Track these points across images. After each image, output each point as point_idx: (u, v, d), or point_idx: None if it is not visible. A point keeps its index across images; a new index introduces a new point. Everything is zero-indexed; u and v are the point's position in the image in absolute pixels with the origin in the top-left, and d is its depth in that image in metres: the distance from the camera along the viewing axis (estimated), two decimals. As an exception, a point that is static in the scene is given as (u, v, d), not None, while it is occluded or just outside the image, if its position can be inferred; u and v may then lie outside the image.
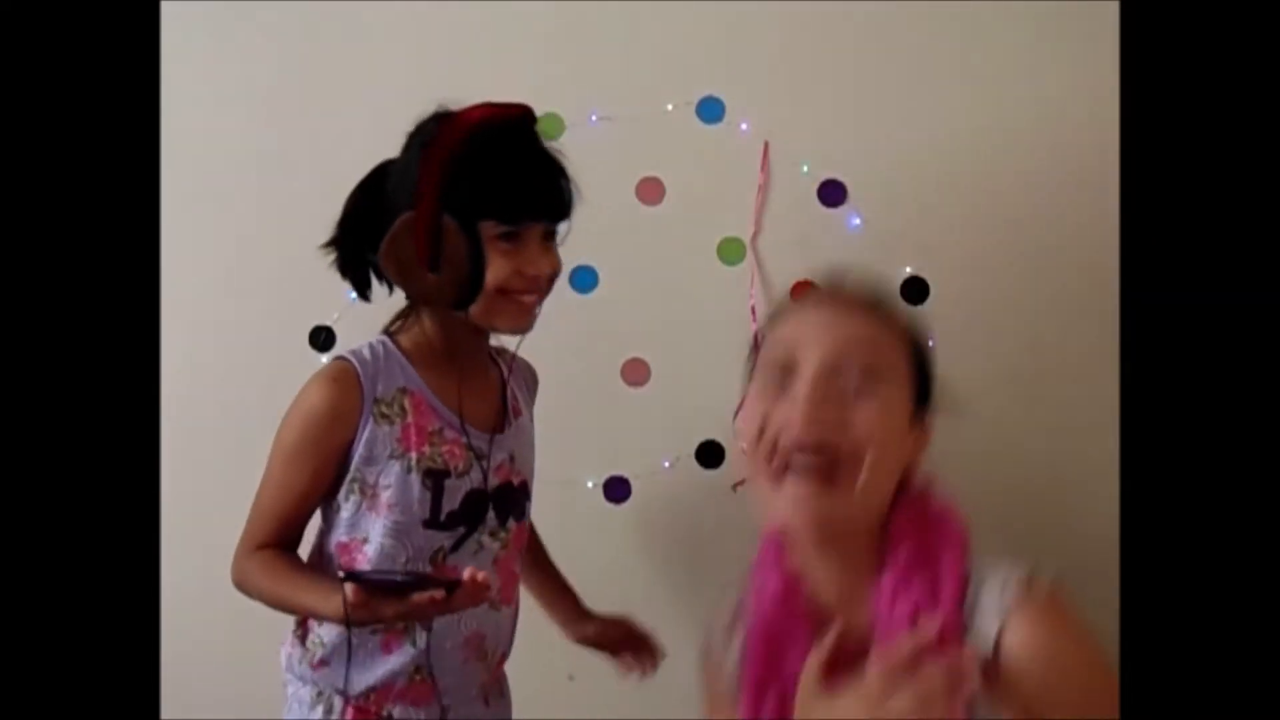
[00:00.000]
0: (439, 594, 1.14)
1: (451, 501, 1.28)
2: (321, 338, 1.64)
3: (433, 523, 1.28)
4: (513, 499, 1.35)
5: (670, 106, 1.64)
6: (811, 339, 1.04)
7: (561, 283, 1.66)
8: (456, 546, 1.29)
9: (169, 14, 1.18)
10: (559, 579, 1.54)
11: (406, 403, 1.28)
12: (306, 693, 1.31)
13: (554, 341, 1.64)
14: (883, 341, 1.05)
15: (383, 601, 1.17)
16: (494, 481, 1.32)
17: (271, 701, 1.37)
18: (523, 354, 1.50)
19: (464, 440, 1.29)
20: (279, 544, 1.29)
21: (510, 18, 1.64)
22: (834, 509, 0.99)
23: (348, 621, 1.17)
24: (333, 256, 1.31)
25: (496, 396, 1.36)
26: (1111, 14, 0.96)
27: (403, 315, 1.34)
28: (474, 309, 1.25)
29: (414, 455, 1.27)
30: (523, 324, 1.30)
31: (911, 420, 1.05)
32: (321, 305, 1.47)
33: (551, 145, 1.30)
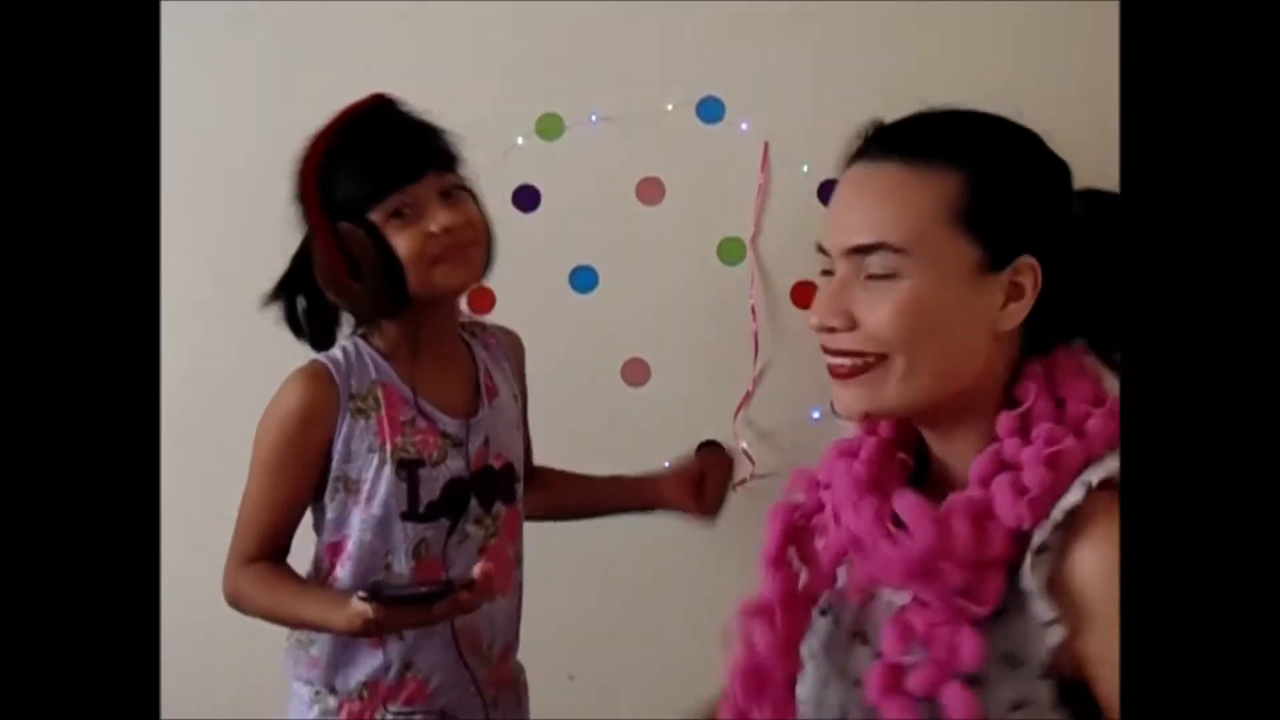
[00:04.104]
0: (464, 596, 1.14)
1: (430, 491, 1.28)
2: (321, 337, 1.64)
3: (411, 514, 1.27)
4: (496, 483, 1.34)
5: (670, 106, 1.64)
6: (831, 218, 0.96)
7: (561, 283, 1.67)
8: (444, 539, 1.28)
9: (169, 14, 1.18)
10: (594, 484, 1.50)
11: (379, 394, 1.28)
12: (306, 692, 1.31)
13: (554, 341, 1.65)
14: (909, 207, 0.94)
15: (404, 613, 1.17)
16: (472, 467, 1.31)
17: (272, 702, 1.37)
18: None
19: (436, 428, 1.29)
20: (269, 556, 1.28)
21: (510, 18, 1.64)
22: (875, 402, 0.95)
23: (372, 633, 1.19)
24: (282, 313, 1.31)
25: (469, 380, 1.35)
26: (1111, 14, 0.96)
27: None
28: (413, 287, 1.24)
29: (389, 447, 1.27)
30: (463, 278, 1.28)
31: (976, 282, 0.93)
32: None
33: (418, 114, 1.29)
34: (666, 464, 1.66)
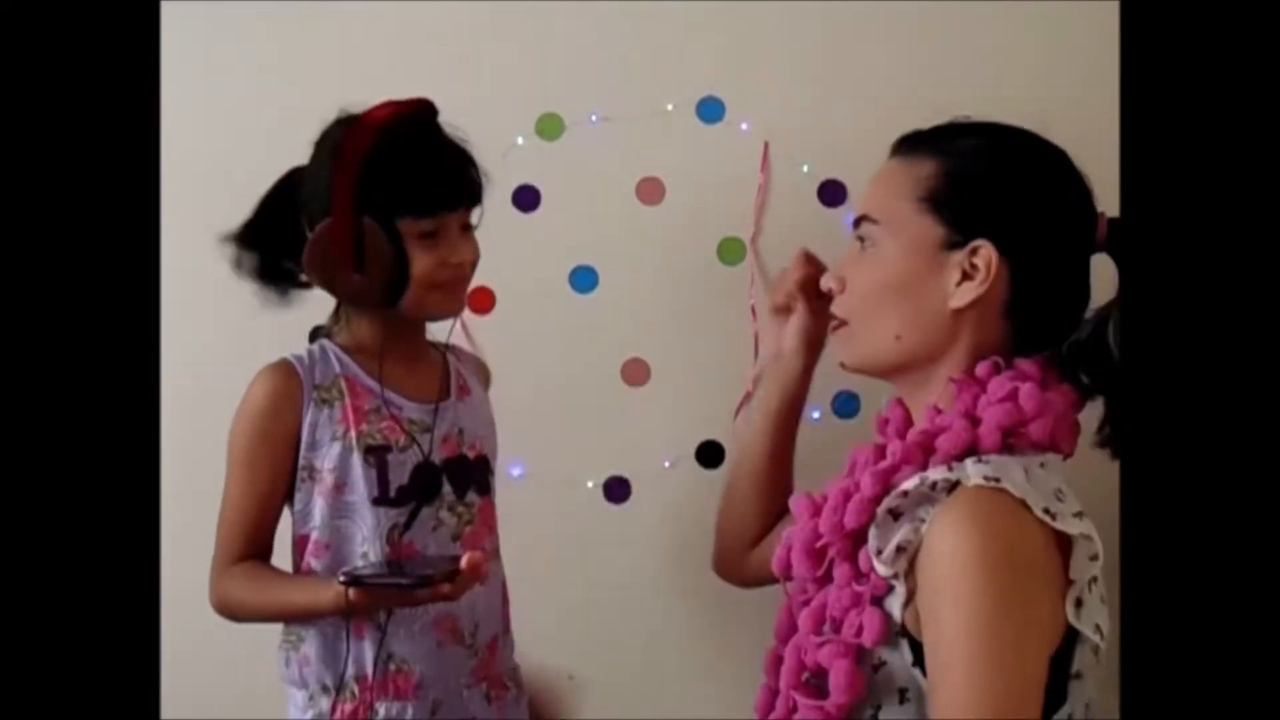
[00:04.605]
0: (445, 588, 1.17)
1: (399, 477, 1.29)
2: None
3: (382, 500, 1.29)
4: (470, 471, 1.35)
5: (670, 106, 1.64)
6: None
7: (561, 283, 1.67)
8: (409, 523, 1.29)
9: (169, 13, 1.18)
10: None
11: (343, 384, 1.31)
12: (300, 696, 1.32)
13: (554, 341, 1.65)
14: (890, 187, 1.10)
15: (385, 597, 1.20)
16: (442, 454, 1.33)
17: (271, 702, 1.37)
18: (522, 354, 1.50)
19: (402, 414, 1.31)
20: (252, 556, 1.30)
21: (510, 18, 1.64)
22: (846, 357, 1.14)
23: (347, 613, 1.21)
24: (239, 261, 1.33)
25: (438, 375, 1.38)
26: (1111, 14, 0.96)
27: (334, 322, 1.37)
28: (405, 302, 1.28)
29: (354, 434, 1.29)
30: (455, 308, 1.34)
31: (936, 257, 1.06)
32: (321, 304, 1.47)
33: (455, 135, 1.32)
34: (666, 464, 1.66)
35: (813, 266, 1.30)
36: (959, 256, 1.05)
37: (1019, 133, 1.10)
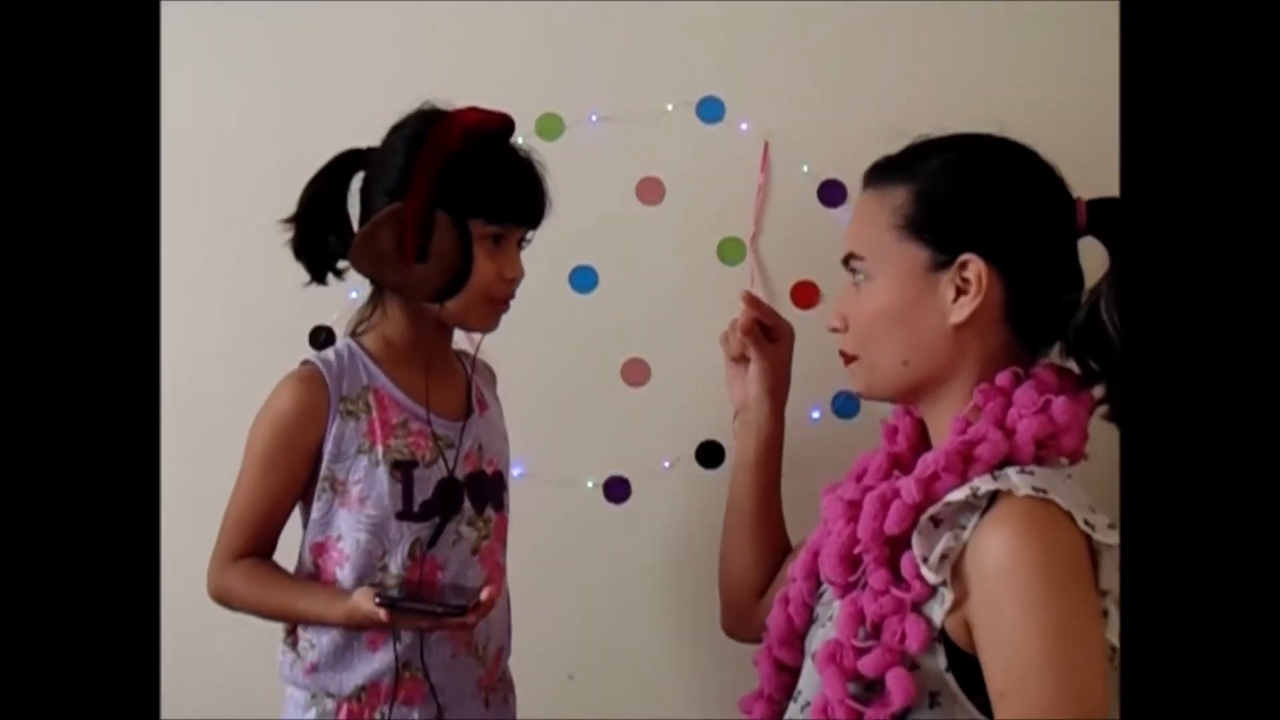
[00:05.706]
0: (473, 620, 1.19)
1: (424, 491, 1.30)
2: (322, 337, 1.64)
3: (406, 514, 1.29)
4: (488, 487, 1.36)
5: (670, 106, 1.64)
6: None
7: (561, 283, 1.67)
8: (434, 539, 1.30)
9: (169, 14, 1.18)
10: None
11: (371, 398, 1.30)
12: (302, 697, 1.32)
13: (554, 341, 1.65)
14: (868, 221, 1.12)
15: (410, 621, 1.22)
16: (464, 469, 1.33)
17: (271, 702, 1.37)
18: (522, 354, 1.50)
19: (429, 430, 1.30)
20: (255, 553, 1.30)
21: (510, 17, 1.64)
22: (860, 388, 1.15)
23: (370, 629, 1.24)
24: (290, 235, 1.31)
25: (461, 389, 1.38)
26: (1111, 14, 0.96)
27: (366, 315, 1.36)
28: (451, 305, 1.28)
29: (380, 448, 1.28)
30: (493, 324, 1.33)
31: (926, 280, 1.08)
32: (321, 305, 1.47)
33: (532, 154, 1.33)
34: (666, 464, 1.66)
35: (756, 309, 1.34)
36: (949, 275, 1.07)
37: (983, 140, 1.12)
